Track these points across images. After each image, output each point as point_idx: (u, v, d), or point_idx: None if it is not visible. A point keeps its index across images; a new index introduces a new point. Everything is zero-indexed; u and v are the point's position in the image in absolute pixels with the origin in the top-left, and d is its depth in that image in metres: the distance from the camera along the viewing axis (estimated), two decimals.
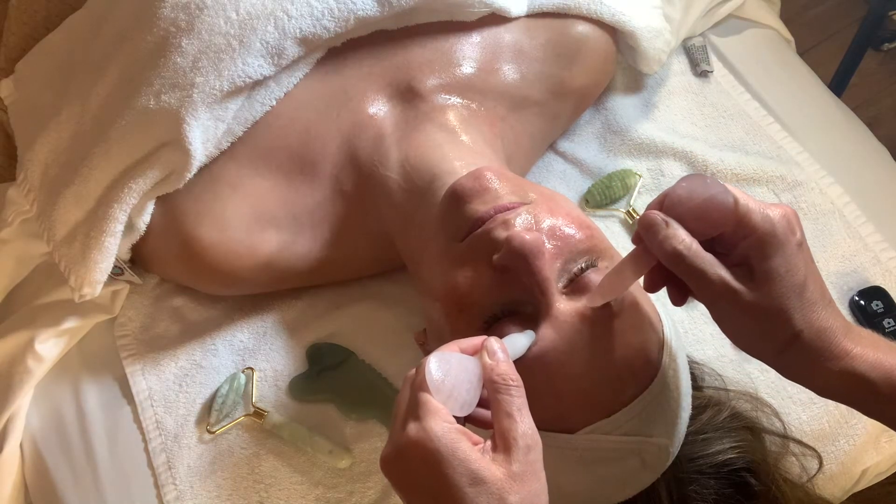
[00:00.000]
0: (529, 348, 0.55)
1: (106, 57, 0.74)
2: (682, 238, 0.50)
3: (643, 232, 0.51)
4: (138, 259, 0.79)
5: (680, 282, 0.52)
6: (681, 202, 0.51)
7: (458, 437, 0.46)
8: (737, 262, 0.51)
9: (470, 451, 0.45)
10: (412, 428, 0.46)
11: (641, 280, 0.56)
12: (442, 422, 0.46)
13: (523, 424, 0.47)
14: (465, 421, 0.50)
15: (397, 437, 0.47)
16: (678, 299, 0.55)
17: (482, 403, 0.50)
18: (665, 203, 0.51)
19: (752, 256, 0.50)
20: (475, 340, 0.51)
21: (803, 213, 0.91)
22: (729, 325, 0.53)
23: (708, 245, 0.51)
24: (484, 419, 0.51)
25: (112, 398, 0.80)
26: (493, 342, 0.51)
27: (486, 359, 0.49)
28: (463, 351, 0.50)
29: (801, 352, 0.51)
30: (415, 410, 0.47)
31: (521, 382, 0.49)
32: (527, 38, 0.80)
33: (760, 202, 0.51)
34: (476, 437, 0.47)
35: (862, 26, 1.32)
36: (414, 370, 0.50)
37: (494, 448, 0.47)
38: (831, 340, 0.51)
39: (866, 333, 0.53)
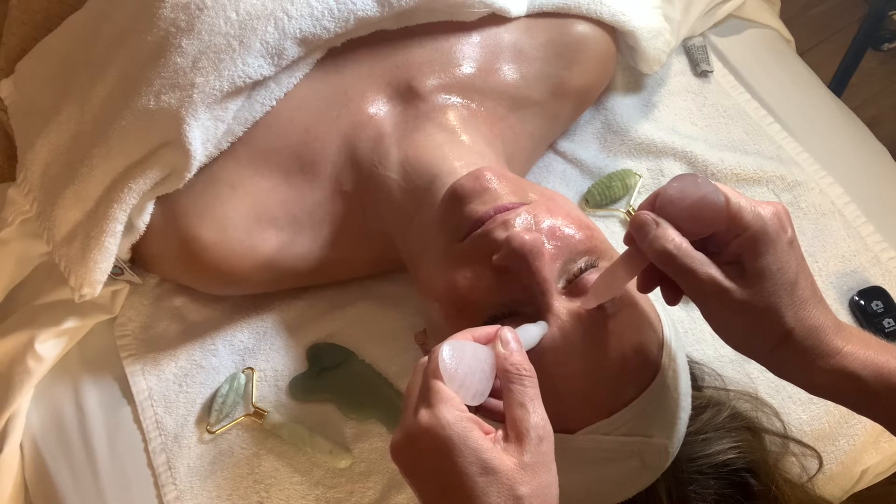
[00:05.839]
0: (542, 338, 0.55)
1: (106, 57, 0.74)
2: (671, 237, 0.50)
3: (634, 232, 0.52)
4: (138, 259, 0.79)
5: (673, 281, 0.52)
6: (672, 202, 0.51)
7: (470, 425, 0.45)
8: (728, 261, 0.51)
9: (481, 440, 0.45)
10: (424, 415, 0.46)
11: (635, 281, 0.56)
12: (454, 409, 0.46)
13: (536, 415, 0.47)
14: (476, 411, 0.50)
15: (408, 424, 0.47)
16: (671, 299, 0.55)
17: (494, 394, 0.50)
18: (657, 203, 0.52)
19: (743, 254, 0.50)
20: (488, 329, 0.51)
21: (803, 212, 0.91)
22: (720, 324, 0.53)
23: (700, 244, 0.51)
24: (496, 409, 0.50)
25: (112, 398, 0.80)
26: (507, 332, 0.50)
27: (500, 348, 0.49)
28: (476, 340, 0.50)
29: (792, 350, 0.51)
30: (427, 397, 0.47)
31: (534, 373, 0.49)
32: (527, 38, 0.80)
33: (752, 200, 0.51)
34: (488, 427, 0.47)
35: (862, 26, 1.32)
36: (426, 357, 0.50)
37: (506, 438, 0.46)
38: (822, 338, 0.51)
39: (856, 331, 0.53)
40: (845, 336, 0.52)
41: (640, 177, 0.91)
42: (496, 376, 0.49)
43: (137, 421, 0.79)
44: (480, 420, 0.47)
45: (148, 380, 0.80)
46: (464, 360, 0.48)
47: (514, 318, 0.58)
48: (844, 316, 0.86)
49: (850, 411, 0.54)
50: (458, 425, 0.45)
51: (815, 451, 0.72)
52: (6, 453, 0.76)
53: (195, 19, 0.70)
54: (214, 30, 0.70)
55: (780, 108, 0.98)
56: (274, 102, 0.73)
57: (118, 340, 0.81)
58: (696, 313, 0.84)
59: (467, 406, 0.47)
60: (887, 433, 0.56)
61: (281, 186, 0.75)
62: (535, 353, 0.55)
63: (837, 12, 1.63)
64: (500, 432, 0.47)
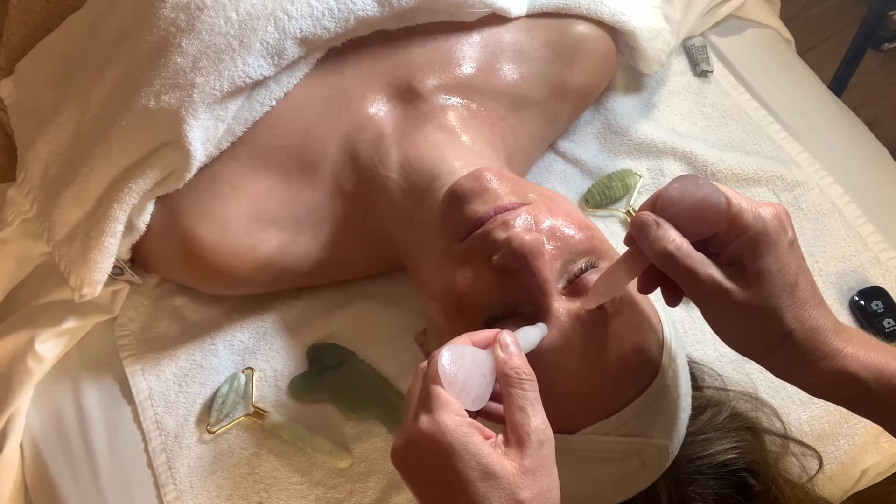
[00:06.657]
0: (542, 339, 0.55)
1: (106, 57, 0.75)
2: (672, 238, 0.50)
3: (634, 233, 0.52)
4: (138, 259, 0.79)
5: (673, 282, 0.52)
6: (673, 203, 0.51)
7: (471, 430, 0.45)
8: (729, 262, 0.51)
9: (482, 444, 0.45)
10: (424, 420, 0.46)
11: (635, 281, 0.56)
12: (454, 415, 0.46)
13: (536, 419, 0.47)
14: (476, 415, 0.50)
15: (409, 430, 0.47)
16: (672, 300, 0.55)
17: (494, 397, 0.50)
18: (657, 204, 0.52)
19: (743, 255, 0.50)
20: (488, 333, 0.51)
21: (803, 212, 0.91)
22: (720, 325, 0.53)
23: (701, 245, 0.51)
24: (496, 413, 0.50)
25: (112, 398, 0.80)
26: (506, 335, 0.50)
27: (499, 352, 0.49)
28: (475, 344, 0.50)
29: (792, 351, 0.51)
30: (427, 403, 0.47)
31: (534, 377, 0.48)
32: (527, 38, 0.80)
33: (752, 201, 0.51)
34: (488, 431, 0.47)
35: (862, 26, 1.32)
36: (426, 362, 0.50)
37: (507, 442, 0.46)
38: (822, 339, 0.51)
39: (857, 333, 0.53)
40: (845, 337, 0.52)
41: (640, 177, 0.91)
42: (496, 380, 0.49)
43: (137, 421, 0.79)
44: (480, 425, 0.47)
45: (148, 380, 0.80)
46: (463, 364, 0.48)
47: (514, 318, 0.58)
48: (844, 316, 0.86)
49: (850, 411, 0.54)
50: (458, 431, 0.45)
51: (815, 451, 0.72)
52: (6, 453, 0.76)
53: (195, 19, 0.70)
54: (214, 30, 0.70)
55: (780, 108, 0.98)
56: (274, 102, 0.73)
57: (118, 340, 0.81)
58: (696, 313, 0.84)
59: (468, 411, 0.47)
60: (887, 433, 0.56)
61: (281, 186, 0.75)
62: (534, 354, 0.55)
63: (837, 12, 1.63)
64: (500, 437, 0.47)
